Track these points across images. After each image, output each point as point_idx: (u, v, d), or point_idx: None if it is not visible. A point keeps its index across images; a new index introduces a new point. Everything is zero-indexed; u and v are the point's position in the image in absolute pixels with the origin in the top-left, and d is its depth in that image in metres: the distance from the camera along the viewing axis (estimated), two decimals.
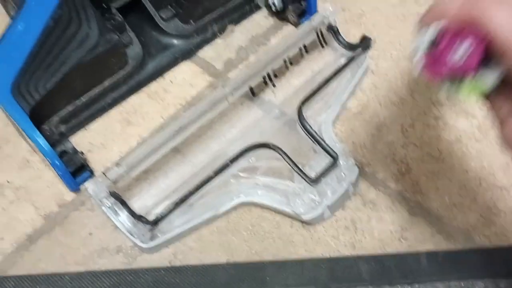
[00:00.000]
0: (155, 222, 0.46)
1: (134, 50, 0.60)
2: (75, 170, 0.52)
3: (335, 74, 0.56)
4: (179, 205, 0.47)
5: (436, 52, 0.31)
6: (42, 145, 0.49)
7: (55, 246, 0.50)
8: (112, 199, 0.48)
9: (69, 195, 0.54)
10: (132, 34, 0.60)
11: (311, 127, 0.51)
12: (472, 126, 0.55)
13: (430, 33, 0.31)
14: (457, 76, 0.30)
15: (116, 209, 0.49)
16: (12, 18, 0.64)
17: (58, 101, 0.53)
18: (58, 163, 0.49)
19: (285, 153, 0.49)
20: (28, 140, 0.51)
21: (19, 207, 0.53)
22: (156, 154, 0.51)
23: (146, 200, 0.51)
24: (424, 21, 0.32)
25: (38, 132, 0.49)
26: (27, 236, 0.51)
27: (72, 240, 0.51)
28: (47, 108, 0.52)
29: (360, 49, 0.59)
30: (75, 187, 0.53)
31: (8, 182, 0.54)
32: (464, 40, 0.30)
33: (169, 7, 0.62)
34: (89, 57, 0.53)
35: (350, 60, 0.57)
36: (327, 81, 0.55)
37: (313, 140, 0.51)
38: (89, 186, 0.48)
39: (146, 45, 0.62)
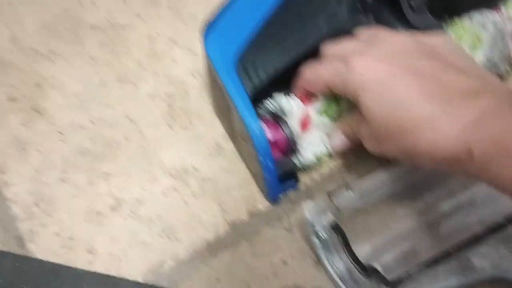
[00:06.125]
0: (395, 285, 0.33)
1: None
2: (283, 175, 0.40)
3: None
4: (429, 267, 0.34)
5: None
6: (261, 139, 0.37)
7: (239, 267, 0.39)
8: (330, 232, 0.36)
9: (262, 203, 0.42)
10: (371, 18, 0.48)
11: None
12: None
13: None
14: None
15: (331, 245, 0.37)
16: None
17: (279, 87, 0.42)
18: (271, 165, 0.38)
19: None
20: (236, 125, 0.41)
21: (204, 204, 0.42)
22: (393, 185, 0.38)
23: (368, 242, 0.39)
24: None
25: (259, 122, 0.38)
26: (207, 244, 0.40)
27: (261, 264, 0.39)
28: (266, 93, 0.41)
29: None
30: (276, 197, 0.41)
31: (194, 169, 0.44)
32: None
33: None
34: (332, 39, 0.41)
35: None
36: None
37: None
38: (307, 207, 0.36)
39: None
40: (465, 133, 0.30)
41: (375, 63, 0.34)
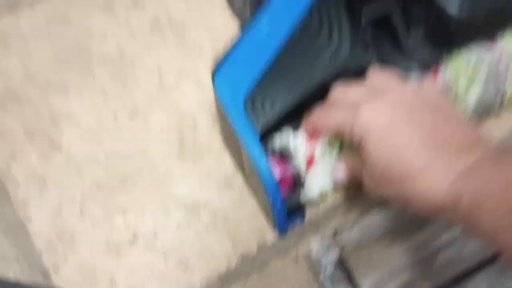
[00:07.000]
0: None
1: None
2: (291, 210, 0.43)
3: None
4: None
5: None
6: (269, 179, 0.40)
7: None
8: (336, 267, 0.39)
9: (271, 235, 0.45)
10: (373, 52, 0.50)
11: None
12: None
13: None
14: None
15: (336, 280, 0.40)
16: (239, 15, 0.56)
17: (287, 122, 0.44)
18: (279, 203, 0.41)
19: None
20: (246, 161, 0.43)
21: (215, 236, 0.45)
22: (393, 221, 0.41)
23: (370, 276, 0.41)
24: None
25: (267, 163, 0.40)
26: (219, 275, 0.43)
27: None
28: (274, 128, 0.43)
29: None
30: (284, 231, 0.44)
31: (206, 202, 0.46)
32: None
33: (422, 25, 0.50)
34: (336, 77, 0.43)
35: None
36: None
37: None
38: (314, 243, 0.39)
39: (383, 67, 0.51)
40: (456, 182, 0.32)
41: (381, 113, 0.37)
